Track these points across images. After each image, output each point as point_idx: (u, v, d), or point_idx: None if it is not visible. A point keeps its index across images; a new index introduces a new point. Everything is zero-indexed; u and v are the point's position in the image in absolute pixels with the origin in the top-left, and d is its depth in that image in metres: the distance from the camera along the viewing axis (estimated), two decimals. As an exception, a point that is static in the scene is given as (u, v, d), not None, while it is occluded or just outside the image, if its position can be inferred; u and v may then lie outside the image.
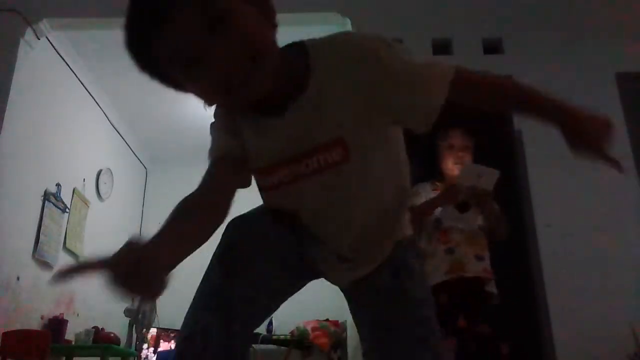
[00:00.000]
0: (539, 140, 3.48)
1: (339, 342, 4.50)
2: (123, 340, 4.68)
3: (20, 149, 3.69)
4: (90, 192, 4.81)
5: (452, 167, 2.43)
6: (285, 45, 0.91)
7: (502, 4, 3.85)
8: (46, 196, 3.99)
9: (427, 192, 2.39)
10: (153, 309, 4.86)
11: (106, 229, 5.00)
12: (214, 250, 0.97)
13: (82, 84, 4.60)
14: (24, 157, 3.76)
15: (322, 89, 0.87)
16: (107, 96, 5.04)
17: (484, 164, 2.32)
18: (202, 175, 0.95)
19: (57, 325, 3.90)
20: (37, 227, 3.87)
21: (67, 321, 4.02)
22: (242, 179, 0.98)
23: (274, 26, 0.87)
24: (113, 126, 5.34)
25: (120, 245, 0.65)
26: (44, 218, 3.93)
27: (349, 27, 3.66)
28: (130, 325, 4.81)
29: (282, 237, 0.98)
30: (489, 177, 2.28)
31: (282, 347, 4.68)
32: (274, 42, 0.86)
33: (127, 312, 4.73)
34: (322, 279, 1.13)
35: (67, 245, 4.30)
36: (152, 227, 6.05)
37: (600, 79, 3.68)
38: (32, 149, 3.88)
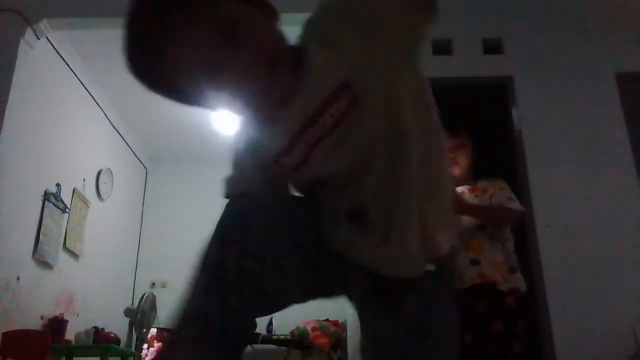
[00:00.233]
0: (539, 141, 3.48)
1: (339, 342, 4.51)
2: (123, 340, 4.68)
3: (20, 149, 3.69)
4: (90, 192, 4.81)
5: None
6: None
7: (502, 4, 3.86)
8: (46, 196, 3.99)
9: None
10: (153, 308, 4.86)
11: (106, 229, 5.00)
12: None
13: (82, 84, 4.60)
14: (24, 157, 3.76)
15: (316, 59, 0.87)
16: (107, 96, 5.04)
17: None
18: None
19: (57, 325, 3.90)
20: (37, 227, 3.87)
21: (67, 321, 4.02)
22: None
23: (278, 22, 0.87)
24: (113, 126, 5.34)
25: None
26: (44, 218, 3.93)
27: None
28: (130, 325, 4.81)
29: (295, 216, 0.94)
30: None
31: (282, 347, 4.69)
32: (283, 39, 0.86)
33: (127, 312, 4.74)
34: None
35: (67, 245, 4.30)
36: (152, 227, 6.08)
37: (600, 79, 3.68)
38: (32, 149, 3.89)
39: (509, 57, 3.81)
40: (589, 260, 3.20)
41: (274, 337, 4.78)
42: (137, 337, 4.85)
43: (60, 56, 4.21)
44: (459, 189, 2.38)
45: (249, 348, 4.08)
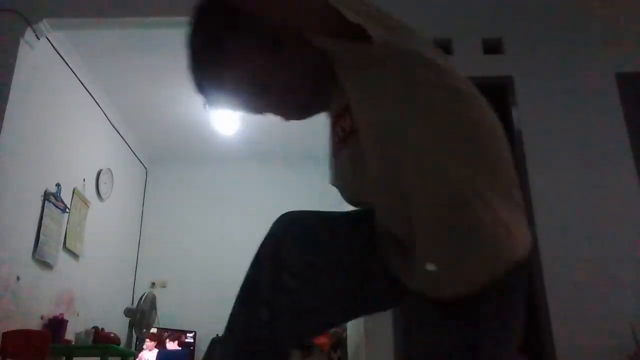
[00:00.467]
0: (539, 140, 3.48)
1: (339, 342, 4.50)
2: (123, 340, 4.68)
3: (20, 149, 3.70)
4: (90, 192, 4.81)
5: None
6: None
7: (502, 4, 3.86)
8: (46, 196, 3.99)
9: None
10: (153, 308, 4.86)
11: (106, 229, 5.00)
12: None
13: (82, 84, 4.60)
14: (24, 157, 3.76)
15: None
16: (107, 96, 5.04)
17: None
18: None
19: (57, 325, 3.90)
20: (37, 227, 3.87)
21: (67, 321, 4.02)
22: None
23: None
24: (113, 126, 5.34)
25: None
26: (44, 218, 3.93)
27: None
28: (130, 325, 4.81)
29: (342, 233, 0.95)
30: None
31: (282, 347, 4.68)
32: (318, 55, 0.89)
33: (127, 312, 4.73)
34: None
35: (67, 245, 4.30)
36: (152, 227, 6.08)
37: (600, 79, 3.68)
38: (32, 149, 3.89)
39: (509, 57, 3.80)
40: (589, 260, 3.20)
41: (274, 337, 4.78)
42: (137, 337, 4.85)
43: (60, 56, 4.21)
44: None
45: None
